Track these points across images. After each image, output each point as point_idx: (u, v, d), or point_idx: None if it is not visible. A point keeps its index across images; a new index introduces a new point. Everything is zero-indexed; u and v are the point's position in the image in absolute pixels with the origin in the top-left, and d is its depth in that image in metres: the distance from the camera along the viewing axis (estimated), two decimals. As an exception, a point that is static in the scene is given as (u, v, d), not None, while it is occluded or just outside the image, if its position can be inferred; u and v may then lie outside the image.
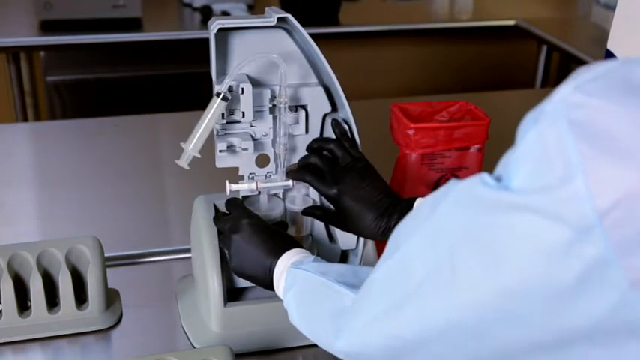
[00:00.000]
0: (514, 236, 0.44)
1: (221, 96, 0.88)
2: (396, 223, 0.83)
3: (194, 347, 0.97)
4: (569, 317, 0.44)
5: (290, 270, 0.80)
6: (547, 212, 0.42)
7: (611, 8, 2.45)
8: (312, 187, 0.93)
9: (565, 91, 0.44)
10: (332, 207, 0.92)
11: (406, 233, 0.56)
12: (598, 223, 0.41)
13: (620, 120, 0.41)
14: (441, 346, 0.52)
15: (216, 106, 0.88)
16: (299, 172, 0.94)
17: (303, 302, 0.76)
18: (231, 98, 0.89)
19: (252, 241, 0.85)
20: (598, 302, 0.42)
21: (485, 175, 0.48)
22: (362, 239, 1.00)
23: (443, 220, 0.51)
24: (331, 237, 1.03)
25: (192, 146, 0.89)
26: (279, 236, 0.86)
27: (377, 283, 0.60)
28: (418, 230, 0.54)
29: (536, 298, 0.44)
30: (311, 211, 0.96)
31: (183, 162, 0.90)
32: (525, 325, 0.46)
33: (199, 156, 0.90)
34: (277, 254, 0.83)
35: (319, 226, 1.02)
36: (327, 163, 0.92)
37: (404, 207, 0.86)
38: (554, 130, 0.43)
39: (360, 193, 0.88)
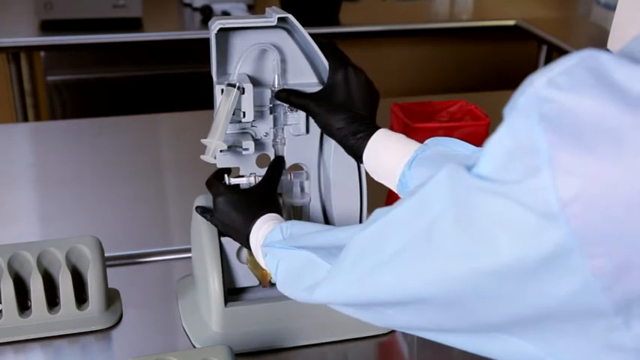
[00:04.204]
0: (489, 218, 0.46)
1: (236, 86, 0.89)
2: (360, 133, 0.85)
3: (194, 347, 0.97)
4: (537, 297, 0.46)
5: (268, 250, 0.79)
6: (516, 198, 0.44)
7: (611, 8, 2.45)
8: (295, 97, 0.92)
9: (537, 85, 0.45)
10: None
11: (389, 208, 0.58)
12: (561, 212, 0.42)
13: (586, 113, 0.43)
14: (415, 311, 0.55)
15: (233, 96, 0.88)
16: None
17: (286, 276, 0.77)
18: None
19: (230, 207, 0.89)
20: (562, 286, 0.44)
21: (469, 161, 0.50)
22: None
23: (425, 196, 0.53)
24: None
25: (218, 136, 0.88)
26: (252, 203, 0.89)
27: (354, 250, 0.61)
28: (401, 203, 0.56)
29: (506, 278, 0.46)
30: (285, 96, 0.93)
31: (209, 156, 0.88)
32: (497, 302, 0.48)
33: (225, 146, 0.90)
34: (252, 222, 0.85)
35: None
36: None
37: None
38: (526, 122, 0.44)
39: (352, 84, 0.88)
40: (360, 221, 0.99)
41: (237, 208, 0.88)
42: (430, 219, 0.51)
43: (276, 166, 0.95)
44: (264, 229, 0.82)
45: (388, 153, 0.82)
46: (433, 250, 0.50)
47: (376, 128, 0.85)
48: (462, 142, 0.80)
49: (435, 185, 0.52)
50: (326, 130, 0.89)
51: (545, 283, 0.44)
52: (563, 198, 0.42)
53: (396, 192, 0.83)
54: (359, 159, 0.86)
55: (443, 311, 0.53)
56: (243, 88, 0.90)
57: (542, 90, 0.44)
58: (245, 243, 0.86)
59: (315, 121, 0.91)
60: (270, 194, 0.92)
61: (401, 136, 0.83)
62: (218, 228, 0.95)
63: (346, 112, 0.87)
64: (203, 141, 0.88)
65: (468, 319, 0.52)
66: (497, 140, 0.47)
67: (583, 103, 0.43)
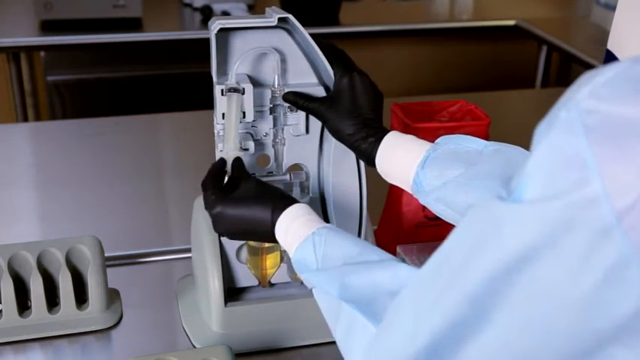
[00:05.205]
0: (528, 244, 0.44)
1: (235, 90, 0.88)
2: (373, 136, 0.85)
3: (194, 347, 0.97)
4: (593, 321, 0.44)
5: (301, 272, 0.74)
6: (562, 218, 0.42)
7: (611, 8, 2.45)
8: (304, 100, 0.92)
9: (579, 97, 0.44)
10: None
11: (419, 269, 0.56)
12: (617, 224, 0.41)
13: (632, 122, 0.42)
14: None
15: (235, 101, 0.88)
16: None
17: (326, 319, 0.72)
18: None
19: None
20: (621, 304, 0.42)
21: (501, 190, 0.48)
22: (362, 237, 1.00)
23: (453, 241, 0.51)
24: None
25: (233, 145, 0.88)
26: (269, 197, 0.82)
27: (392, 311, 0.58)
28: (431, 257, 0.54)
29: (560, 306, 0.44)
30: (293, 99, 0.92)
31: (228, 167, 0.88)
32: (550, 333, 0.46)
33: (241, 153, 0.89)
34: (272, 218, 0.79)
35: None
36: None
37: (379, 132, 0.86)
38: (569, 136, 0.43)
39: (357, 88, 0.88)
40: (360, 221, 0.99)
41: (250, 203, 0.80)
42: (458, 261, 0.49)
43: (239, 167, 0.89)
44: (292, 231, 0.76)
45: (400, 155, 0.82)
46: (459, 289, 0.48)
47: (386, 131, 0.85)
48: (473, 137, 0.80)
49: (461, 229, 0.50)
50: (336, 135, 0.89)
51: (603, 302, 0.43)
52: (618, 209, 0.41)
53: (412, 193, 0.82)
54: (371, 163, 0.86)
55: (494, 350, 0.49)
56: (244, 89, 0.90)
57: (584, 102, 0.43)
58: (268, 239, 0.81)
59: (325, 126, 0.91)
60: (263, 184, 0.86)
61: (411, 137, 0.83)
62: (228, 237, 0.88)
63: (355, 117, 0.87)
64: (222, 154, 0.88)
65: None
66: (536, 160, 0.45)
67: (629, 112, 0.42)
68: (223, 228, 0.83)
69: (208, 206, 0.83)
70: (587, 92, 0.43)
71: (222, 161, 0.88)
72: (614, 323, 0.43)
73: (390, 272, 0.64)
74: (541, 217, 0.44)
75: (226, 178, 0.87)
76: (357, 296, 0.65)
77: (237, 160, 0.88)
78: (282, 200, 0.79)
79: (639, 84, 0.43)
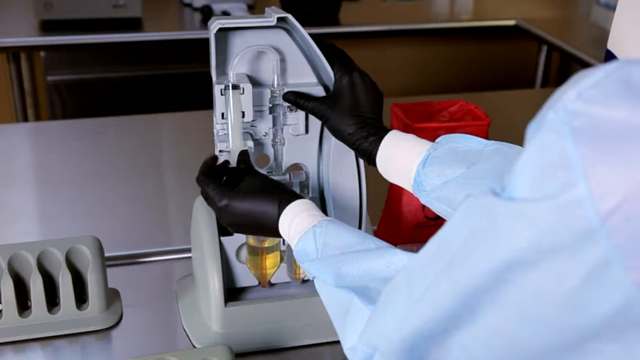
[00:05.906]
0: (519, 245, 0.45)
1: (235, 87, 0.89)
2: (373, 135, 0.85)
3: (194, 347, 0.97)
4: (578, 317, 0.44)
5: (301, 262, 0.75)
6: (550, 220, 0.43)
7: (611, 8, 2.45)
8: (304, 100, 0.92)
9: (566, 99, 0.44)
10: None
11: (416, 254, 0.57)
12: (601, 226, 0.41)
13: (619, 124, 0.42)
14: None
15: (232, 98, 0.89)
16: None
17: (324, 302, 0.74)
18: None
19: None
20: (604, 303, 0.43)
21: (496, 185, 0.49)
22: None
23: (449, 231, 0.52)
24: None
25: (239, 143, 0.89)
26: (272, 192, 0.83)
27: (385, 296, 0.60)
28: (426, 243, 0.55)
29: (547, 303, 0.45)
30: (293, 99, 0.93)
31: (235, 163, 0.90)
32: (538, 326, 0.47)
33: (246, 147, 0.91)
34: (277, 213, 0.80)
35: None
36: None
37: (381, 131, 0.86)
38: (556, 138, 0.43)
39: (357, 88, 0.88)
40: (360, 221, 0.99)
41: (255, 201, 0.81)
42: (453, 250, 0.50)
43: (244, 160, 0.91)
44: (295, 223, 0.77)
45: (401, 154, 0.82)
46: (455, 280, 0.49)
47: (386, 130, 0.86)
48: (473, 136, 0.80)
49: (458, 218, 0.51)
50: (337, 134, 0.89)
51: (587, 300, 0.43)
52: (602, 211, 0.41)
53: (412, 192, 0.82)
54: (372, 162, 0.86)
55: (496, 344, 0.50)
56: (243, 89, 0.90)
57: (571, 104, 0.43)
58: (272, 233, 0.82)
59: (326, 126, 0.91)
60: (269, 179, 0.87)
61: (412, 137, 0.83)
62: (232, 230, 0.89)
63: (356, 116, 0.87)
64: (233, 151, 0.89)
65: (509, 349, 0.50)
66: (526, 159, 0.46)
67: (615, 115, 0.42)
68: (230, 220, 0.83)
69: (213, 199, 0.84)
70: (575, 94, 0.44)
71: (214, 157, 0.89)
72: (598, 320, 0.44)
73: (386, 259, 0.65)
74: (531, 219, 0.44)
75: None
76: (353, 283, 0.67)
77: (244, 153, 0.90)
78: (287, 194, 0.81)
79: (627, 86, 0.43)
